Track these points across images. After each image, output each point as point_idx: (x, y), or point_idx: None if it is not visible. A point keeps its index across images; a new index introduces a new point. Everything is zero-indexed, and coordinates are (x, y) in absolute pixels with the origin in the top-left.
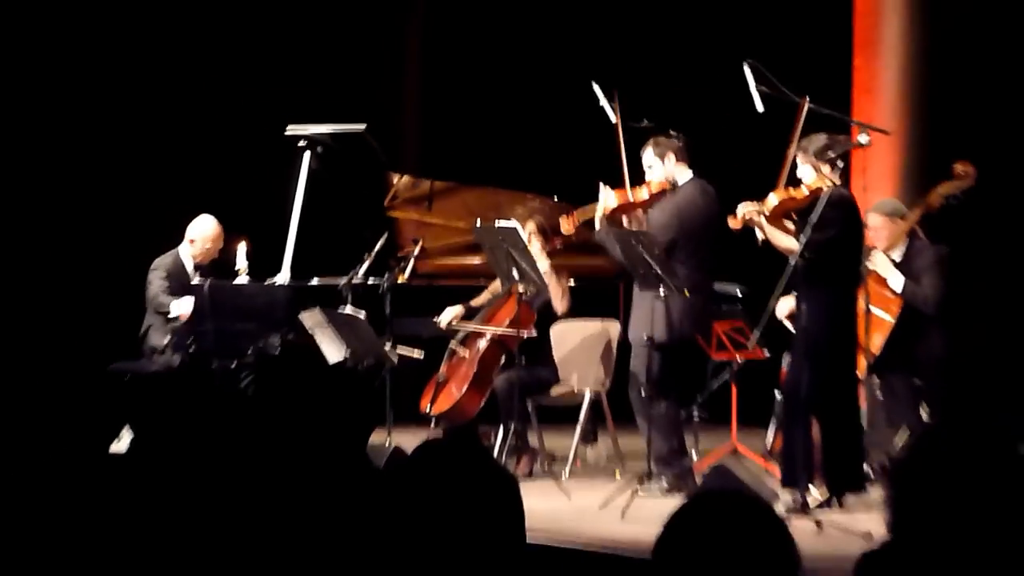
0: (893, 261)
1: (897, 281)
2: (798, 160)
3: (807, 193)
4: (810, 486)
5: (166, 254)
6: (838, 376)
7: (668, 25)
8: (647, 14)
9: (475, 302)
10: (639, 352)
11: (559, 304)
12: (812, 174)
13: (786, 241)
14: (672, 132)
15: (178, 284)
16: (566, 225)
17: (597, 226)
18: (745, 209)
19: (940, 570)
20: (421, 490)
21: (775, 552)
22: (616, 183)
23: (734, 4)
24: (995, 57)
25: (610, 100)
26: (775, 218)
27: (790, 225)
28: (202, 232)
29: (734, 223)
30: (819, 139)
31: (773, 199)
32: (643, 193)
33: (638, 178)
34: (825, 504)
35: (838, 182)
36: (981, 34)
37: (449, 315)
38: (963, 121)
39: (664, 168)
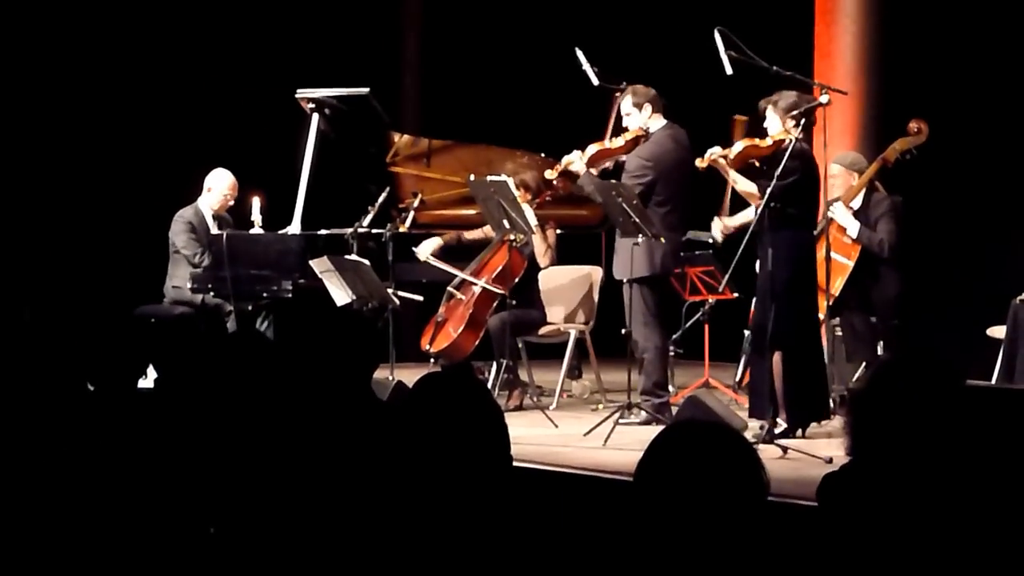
0: (852, 211)
1: (854, 228)
2: (768, 112)
3: (771, 143)
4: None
5: (187, 207)
6: (802, 314)
7: None
8: None
9: (469, 235)
10: (624, 291)
11: (542, 259)
12: (778, 126)
13: (746, 185)
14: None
15: (201, 233)
16: (551, 172)
17: (580, 171)
18: (712, 153)
19: (895, 488)
20: (421, 414)
21: (746, 475)
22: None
23: None
24: (943, 25)
25: (592, 64)
26: (739, 162)
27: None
28: (219, 181)
29: (700, 163)
30: (789, 95)
31: (739, 146)
32: (619, 141)
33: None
34: (789, 433)
35: (800, 136)
36: (932, 3)
37: (428, 247)
38: (915, 83)
39: (640, 116)
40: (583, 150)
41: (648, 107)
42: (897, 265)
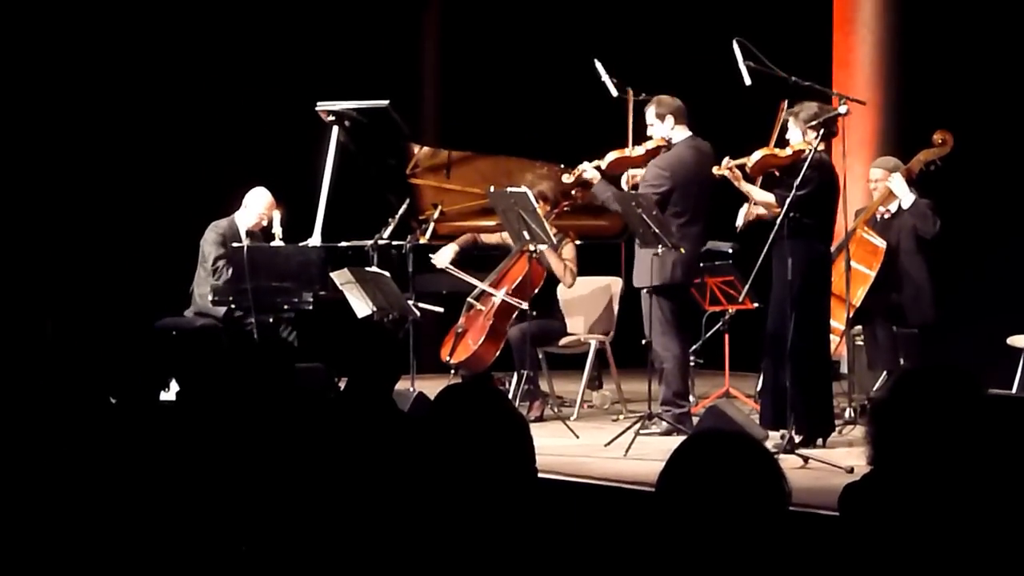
0: (890, 214)
1: (908, 199)
2: (789, 123)
3: (790, 153)
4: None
5: (223, 219)
6: (814, 324)
7: (664, 5)
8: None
9: (486, 238)
10: (644, 301)
11: (565, 279)
12: (799, 137)
13: (762, 196)
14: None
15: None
16: (567, 178)
17: (594, 179)
18: (729, 161)
19: (916, 498)
20: (444, 427)
21: (768, 485)
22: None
23: None
24: (961, 33)
25: (611, 76)
26: (758, 171)
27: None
28: (257, 200)
29: (717, 171)
30: (810, 107)
31: (757, 155)
32: (639, 150)
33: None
34: (809, 442)
35: (820, 147)
36: (950, 12)
37: (446, 255)
38: (933, 91)
39: (663, 127)
40: (603, 159)
41: (671, 118)
42: (928, 269)
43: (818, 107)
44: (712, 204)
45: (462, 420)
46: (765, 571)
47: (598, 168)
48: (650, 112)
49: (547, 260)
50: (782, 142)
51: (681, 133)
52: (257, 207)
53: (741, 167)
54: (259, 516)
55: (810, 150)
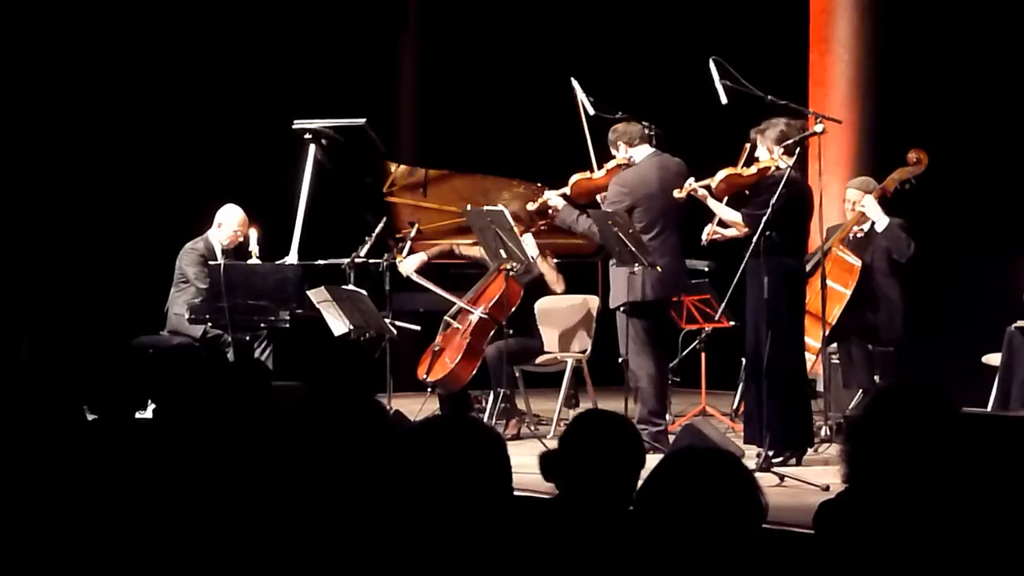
0: (863, 232)
1: (882, 222)
2: (757, 142)
3: (754, 171)
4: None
5: (197, 239)
6: (790, 340)
7: (640, 26)
8: (622, 18)
9: (466, 251)
10: (619, 320)
11: (556, 286)
12: (766, 155)
13: (729, 215)
14: (645, 123)
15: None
16: (532, 205)
17: (559, 205)
18: (690, 184)
19: (891, 516)
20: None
21: (745, 500)
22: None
23: (701, 6)
24: (937, 53)
25: (587, 95)
26: (723, 190)
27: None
28: (230, 217)
29: (678, 194)
30: (777, 125)
31: (721, 174)
32: (600, 173)
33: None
34: (785, 460)
35: (784, 165)
36: (925, 32)
37: (412, 263)
38: (909, 110)
39: (620, 153)
40: (567, 184)
41: (622, 145)
42: (901, 289)
43: (785, 124)
44: (687, 222)
45: (440, 440)
46: None
47: (564, 195)
48: (610, 139)
49: (539, 268)
50: (751, 161)
51: (643, 152)
52: (231, 224)
53: (708, 187)
54: (236, 533)
55: (774, 168)
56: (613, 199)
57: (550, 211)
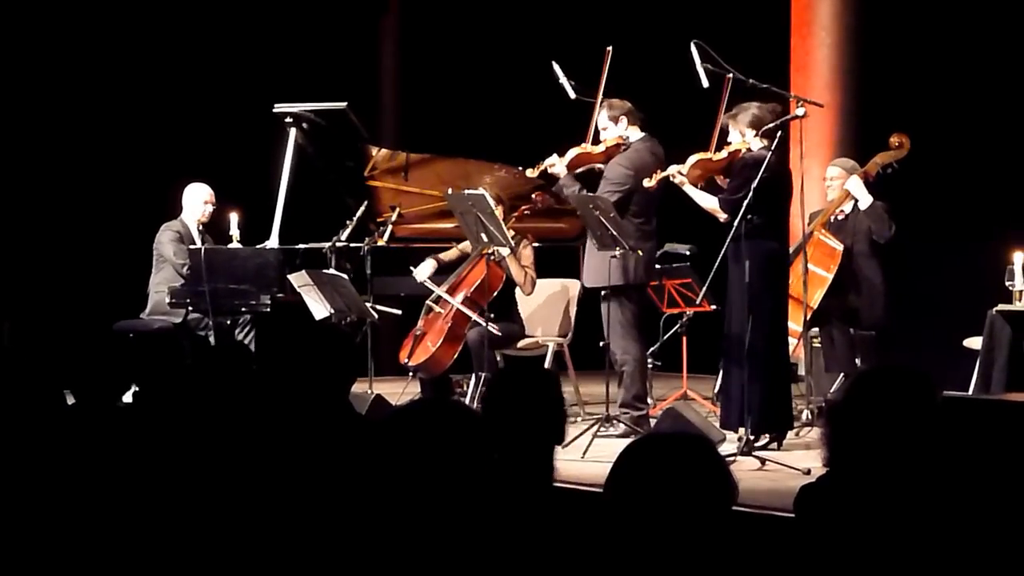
0: (840, 214)
1: (866, 200)
2: (729, 126)
3: (724, 156)
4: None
5: (173, 220)
6: (772, 323)
7: (622, 9)
8: (603, 1)
9: (444, 256)
10: (602, 304)
11: (524, 287)
12: (738, 139)
13: (706, 201)
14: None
15: (188, 244)
16: (531, 172)
17: (561, 173)
18: (660, 173)
19: (872, 499)
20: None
21: (712, 482)
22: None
23: None
24: (918, 37)
25: (569, 78)
26: (698, 179)
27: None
28: (193, 196)
29: (648, 183)
30: (749, 109)
31: (692, 159)
32: (600, 147)
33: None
34: (767, 444)
35: (755, 147)
36: (906, 16)
37: (427, 269)
38: (890, 94)
39: (617, 129)
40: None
41: (624, 120)
42: (883, 273)
43: (757, 108)
44: (668, 206)
45: (421, 423)
46: (715, 571)
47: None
48: (603, 116)
49: (507, 266)
50: (722, 146)
51: (635, 133)
52: (196, 201)
53: (680, 172)
54: (219, 519)
55: (745, 150)
56: (618, 180)
57: (537, 194)
